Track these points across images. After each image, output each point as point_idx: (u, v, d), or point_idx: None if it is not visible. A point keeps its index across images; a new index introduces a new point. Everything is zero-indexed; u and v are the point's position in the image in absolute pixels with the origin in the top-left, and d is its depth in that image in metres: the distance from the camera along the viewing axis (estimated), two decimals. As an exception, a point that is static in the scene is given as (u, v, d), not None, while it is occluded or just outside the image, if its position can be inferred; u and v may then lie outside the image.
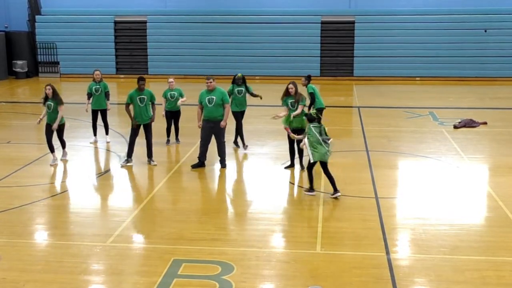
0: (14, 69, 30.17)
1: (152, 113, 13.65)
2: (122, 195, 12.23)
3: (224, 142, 13.58)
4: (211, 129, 13.28)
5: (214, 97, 13.10)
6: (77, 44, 30.78)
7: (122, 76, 30.17)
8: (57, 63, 31.05)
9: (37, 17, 31.20)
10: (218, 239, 9.54)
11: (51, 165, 13.66)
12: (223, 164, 13.58)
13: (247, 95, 15.14)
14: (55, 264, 8.60)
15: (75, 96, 16.06)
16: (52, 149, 13.70)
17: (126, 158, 13.77)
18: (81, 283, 8.07)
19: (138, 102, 13.45)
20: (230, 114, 13.91)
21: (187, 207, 11.15)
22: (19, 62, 30.21)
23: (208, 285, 7.92)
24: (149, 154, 13.75)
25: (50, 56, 31.03)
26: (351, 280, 8.08)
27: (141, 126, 13.62)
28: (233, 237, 9.61)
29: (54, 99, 13.49)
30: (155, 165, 13.60)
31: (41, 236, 9.91)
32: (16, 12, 31.46)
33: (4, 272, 8.31)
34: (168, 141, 15.48)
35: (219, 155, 13.58)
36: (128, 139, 13.96)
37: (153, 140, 13.84)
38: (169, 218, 10.41)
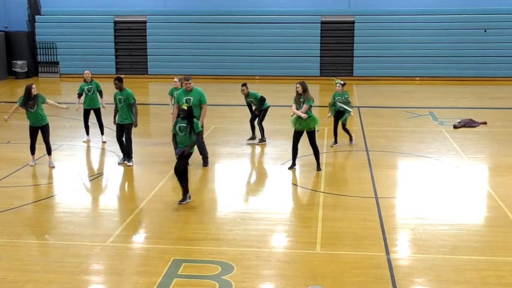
0: (14, 69, 30.17)
1: (133, 116, 13.56)
2: (122, 195, 12.24)
3: (203, 142, 13.63)
4: None
5: (192, 98, 13.10)
6: (77, 44, 30.77)
7: (122, 76, 30.01)
8: (57, 63, 31.05)
9: (37, 17, 31.20)
10: (218, 239, 9.54)
11: (30, 165, 13.67)
12: (205, 163, 13.60)
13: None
14: (55, 264, 8.60)
15: (74, 96, 16.06)
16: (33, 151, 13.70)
17: (122, 157, 13.84)
18: (81, 283, 8.07)
19: (117, 101, 13.52)
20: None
21: (187, 207, 11.15)
22: (19, 62, 30.21)
23: (208, 285, 7.92)
24: (129, 153, 13.76)
25: (50, 56, 31.02)
26: (351, 280, 8.08)
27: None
28: (233, 237, 9.60)
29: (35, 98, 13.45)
30: (131, 165, 13.62)
31: (41, 236, 9.91)
32: (16, 12, 31.45)
33: (4, 272, 8.31)
34: None
35: (201, 154, 13.60)
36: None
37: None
38: (169, 218, 10.40)
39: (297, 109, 12.96)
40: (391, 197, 11.68)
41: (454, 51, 29.25)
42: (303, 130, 13.03)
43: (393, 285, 7.93)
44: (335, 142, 15.40)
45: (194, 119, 10.94)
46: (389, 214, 10.63)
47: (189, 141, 10.90)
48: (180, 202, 11.04)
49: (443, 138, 16.48)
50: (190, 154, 11.09)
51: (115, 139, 13.94)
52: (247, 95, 15.48)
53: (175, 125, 11.04)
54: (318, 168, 13.23)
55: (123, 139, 13.63)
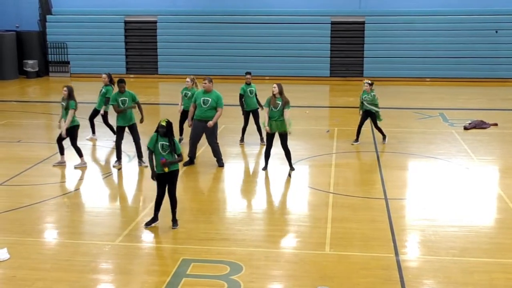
0: (24, 68, 30.30)
1: (140, 113, 13.61)
2: (131, 195, 12.28)
3: (217, 143, 13.68)
4: (203, 128, 13.44)
5: (210, 99, 13.22)
6: (88, 44, 30.86)
7: (132, 75, 30.24)
8: (68, 62, 31.16)
9: (48, 17, 31.33)
10: (226, 239, 9.55)
11: (53, 165, 13.71)
12: (220, 163, 13.66)
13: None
14: (65, 263, 8.64)
15: (85, 95, 16.15)
16: (61, 151, 13.68)
17: (116, 160, 13.78)
18: (90, 282, 8.10)
19: (120, 104, 13.43)
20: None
21: (196, 206, 11.17)
22: (30, 61, 30.35)
23: (217, 285, 7.93)
24: (139, 155, 13.72)
25: (60, 55, 31.14)
26: (360, 281, 8.07)
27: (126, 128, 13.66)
28: (242, 237, 9.61)
29: (66, 101, 13.48)
30: (146, 166, 13.54)
31: (50, 235, 9.97)
32: (27, 12, 31.57)
33: (14, 271, 8.36)
34: (180, 139, 15.44)
35: (215, 156, 13.67)
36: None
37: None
38: (178, 217, 10.40)
39: (272, 110, 12.88)
40: (400, 198, 11.65)
41: (465, 52, 29.12)
42: (276, 131, 13.01)
43: (402, 286, 7.91)
44: (356, 140, 15.70)
45: (175, 139, 9.81)
46: (399, 215, 10.61)
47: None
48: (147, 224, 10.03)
49: (453, 140, 16.41)
50: (176, 175, 9.91)
51: (126, 139, 13.84)
52: (249, 84, 15.45)
53: (155, 142, 9.75)
54: (292, 168, 13.26)
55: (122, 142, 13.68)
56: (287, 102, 12.89)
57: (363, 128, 15.84)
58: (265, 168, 13.35)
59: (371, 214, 10.62)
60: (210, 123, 13.26)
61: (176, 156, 9.80)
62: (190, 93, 15.12)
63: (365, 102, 15.32)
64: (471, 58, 29.12)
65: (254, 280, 8.06)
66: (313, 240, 9.47)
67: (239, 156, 14.89)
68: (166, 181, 9.86)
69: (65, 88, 13.45)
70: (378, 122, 15.57)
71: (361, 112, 15.58)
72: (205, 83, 13.31)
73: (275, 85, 12.97)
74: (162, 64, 30.86)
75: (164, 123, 9.63)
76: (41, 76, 30.59)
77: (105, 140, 16.07)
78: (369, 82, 15.53)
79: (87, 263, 8.63)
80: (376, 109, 15.39)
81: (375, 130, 16.00)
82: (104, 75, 15.75)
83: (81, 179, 12.97)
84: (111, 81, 15.64)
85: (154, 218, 9.99)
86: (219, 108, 13.32)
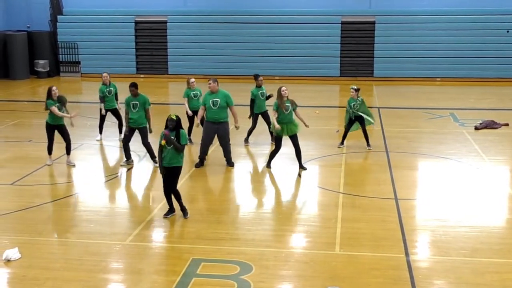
0: (35, 68, 30.43)
1: (148, 121, 13.55)
2: (141, 194, 12.30)
3: (230, 144, 13.72)
4: (216, 130, 13.44)
5: (218, 100, 13.21)
6: (98, 44, 30.97)
7: (142, 76, 30.32)
8: (78, 62, 31.27)
9: (58, 17, 31.45)
10: (236, 238, 9.56)
11: (47, 164, 13.76)
12: (230, 163, 13.69)
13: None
14: (75, 262, 8.67)
15: (95, 95, 16.18)
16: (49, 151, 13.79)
17: (125, 159, 13.82)
18: (100, 281, 8.13)
19: (131, 107, 13.40)
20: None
21: (206, 206, 11.19)
22: (41, 61, 30.47)
23: (227, 285, 7.94)
24: (151, 156, 13.74)
25: (71, 56, 31.26)
26: (370, 281, 8.05)
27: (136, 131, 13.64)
28: (252, 237, 9.61)
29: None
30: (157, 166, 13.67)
31: (61, 234, 10.00)
32: (38, 12, 31.71)
33: (25, 270, 8.40)
34: (189, 140, 15.44)
35: (225, 156, 13.70)
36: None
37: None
38: (188, 217, 10.42)
39: (283, 113, 12.87)
40: (410, 199, 11.61)
41: (476, 52, 28.97)
42: (287, 135, 13.08)
43: (412, 286, 7.89)
44: (342, 143, 15.29)
45: (182, 130, 10.15)
46: (409, 215, 10.57)
47: (177, 157, 10.17)
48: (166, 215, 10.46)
49: (464, 140, 16.34)
50: (178, 170, 10.35)
51: (134, 138, 13.87)
52: (260, 87, 15.43)
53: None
54: (303, 167, 13.30)
55: (130, 143, 13.70)
56: (295, 104, 13.02)
57: (373, 128, 15.78)
58: (268, 166, 13.44)
59: (381, 214, 10.60)
60: (237, 125, 13.45)
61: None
62: (198, 93, 15.16)
63: (355, 110, 14.76)
64: (482, 58, 28.96)
65: (264, 280, 8.06)
66: (323, 240, 9.47)
67: (249, 156, 14.88)
68: (167, 175, 10.21)
69: (54, 87, 13.57)
70: (367, 125, 15.11)
71: (348, 118, 15.03)
72: (209, 84, 13.29)
73: (284, 88, 12.99)
74: (172, 64, 30.91)
75: (174, 117, 10.07)
76: (52, 76, 30.71)
77: (115, 140, 16.11)
78: (355, 88, 14.90)
79: (97, 262, 8.66)
80: (370, 119, 14.93)
81: (374, 131, 15.82)
82: (105, 74, 15.79)
83: (91, 178, 13.00)
84: None
85: (170, 209, 10.41)
86: (231, 107, 13.32)
